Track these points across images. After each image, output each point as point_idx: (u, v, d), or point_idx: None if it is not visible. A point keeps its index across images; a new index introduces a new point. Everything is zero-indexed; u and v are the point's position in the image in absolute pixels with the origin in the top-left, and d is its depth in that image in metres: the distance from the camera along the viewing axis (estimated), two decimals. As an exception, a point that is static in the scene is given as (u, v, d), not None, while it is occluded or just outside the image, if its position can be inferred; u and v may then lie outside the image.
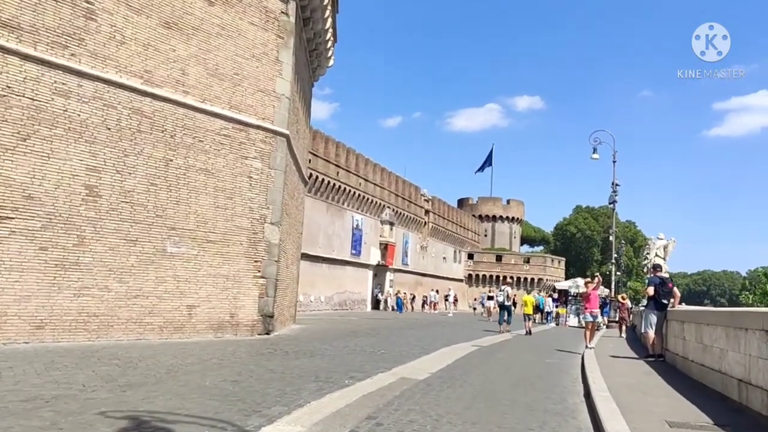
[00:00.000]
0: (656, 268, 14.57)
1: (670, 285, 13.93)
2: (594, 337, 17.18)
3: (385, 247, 51.44)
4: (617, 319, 28.24)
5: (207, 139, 14.91)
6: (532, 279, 76.06)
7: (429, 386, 9.24)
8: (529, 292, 35.71)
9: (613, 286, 38.82)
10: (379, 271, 51.41)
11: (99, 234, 12.78)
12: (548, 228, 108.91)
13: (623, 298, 28.86)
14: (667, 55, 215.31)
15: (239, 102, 15.64)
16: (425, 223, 62.98)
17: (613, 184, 36.36)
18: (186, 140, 14.46)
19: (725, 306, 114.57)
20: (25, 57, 11.68)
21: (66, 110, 12.26)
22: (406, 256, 57.89)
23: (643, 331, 14.75)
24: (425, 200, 62.83)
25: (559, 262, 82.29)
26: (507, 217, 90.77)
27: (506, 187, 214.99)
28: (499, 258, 78.52)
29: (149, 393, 7.46)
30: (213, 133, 15.05)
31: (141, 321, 13.46)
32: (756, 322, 7.16)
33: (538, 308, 36.10)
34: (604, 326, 29.23)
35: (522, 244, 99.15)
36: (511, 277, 71.42)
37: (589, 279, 19.16)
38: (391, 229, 52.44)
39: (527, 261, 79.77)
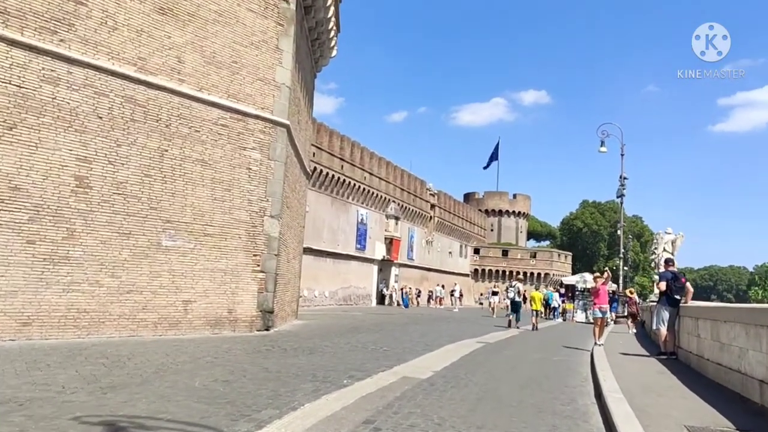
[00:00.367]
0: (668, 262, 14.00)
1: (683, 280, 13.38)
2: (603, 333, 16.65)
3: (390, 242, 50.99)
4: (625, 314, 27.75)
5: (204, 129, 14.44)
6: (539, 274, 75.49)
7: (432, 386, 8.76)
8: (537, 288, 35.07)
9: (621, 281, 38.27)
10: (384, 265, 50.96)
11: (90, 227, 12.32)
12: (555, 223, 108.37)
13: (631, 293, 28.35)
14: (672, 51, 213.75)
15: (237, 91, 15.15)
16: (431, 217, 62.50)
17: (621, 177, 35.79)
18: (182, 130, 13.98)
19: (732, 301, 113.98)
20: (12, 42, 11.21)
21: (55, 98, 11.79)
22: (412, 250, 57.45)
23: (654, 327, 14.23)
24: (431, 194, 62.32)
25: (565, 256, 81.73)
26: (513, 212, 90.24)
27: (512, 181, 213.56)
28: (505, 253, 77.99)
29: (132, 395, 6.99)
30: (210, 122, 14.57)
31: (134, 317, 13.01)
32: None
33: (546, 304, 35.58)
34: (612, 322, 28.69)
35: (528, 238, 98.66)
36: (518, 272, 71.09)
37: (598, 274, 18.61)
38: (397, 224, 51.98)
39: (534, 256, 79.25)
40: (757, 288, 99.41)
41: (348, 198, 43.78)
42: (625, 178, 35.46)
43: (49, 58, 11.66)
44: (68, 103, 11.99)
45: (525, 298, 26.41)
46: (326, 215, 40.43)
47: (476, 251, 77.43)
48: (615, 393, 8.23)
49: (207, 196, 14.48)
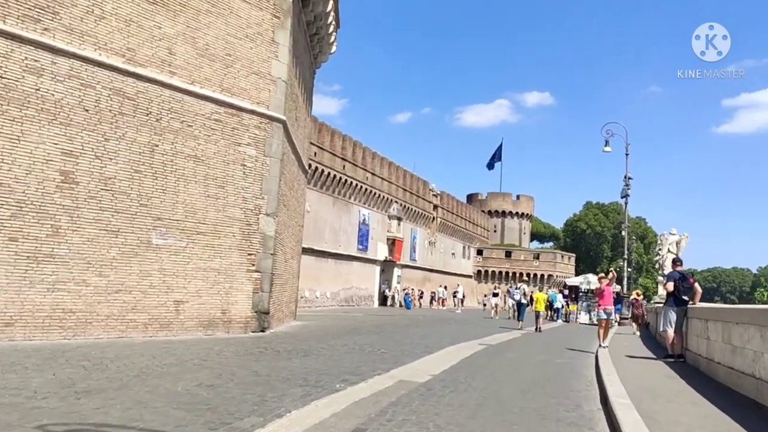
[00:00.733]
0: (676, 262, 13.50)
1: (691, 280, 12.89)
2: (608, 335, 16.16)
3: (393, 243, 50.52)
4: (629, 315, 27.31)
5: (196, 123, 13.98)
6: (542, 275, 74.92)
7: (429, 391, 8.30)
8: (541, 290, 34.68)
9: (625, 283, 37.75)
10: (387, 266, 50.47)
11: (76, 224, 11.85)
12: (558, 224, 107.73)
13: (638, 295, 27.91)
14: (676, 52, 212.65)
15: (231, 85, 14.70)
16: (434, 218, 62.02)
17: (625, 177, 35.26)
18: (173, 124, 13.53)
19: (735, 303, 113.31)
20: (-6, 31, 10.77)
21: (38, 89, 11.33)
22: (414, 251, 56.97)
23: (661, 329, 13.72)
24: (434, 195, 61.85)
25: (569, 258, 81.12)
26: (516, 213, 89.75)
27: (516, 182, 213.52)
28: (508, 254, 77.46)
29: (107, 401, 6.53)
30: (203, 117, 14.12)
31: (123, 318, 12.54)
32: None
33: (550, 305, 35.11)
34: (616, 323, 28.25)
35: (531, 240, 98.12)
36: (521, 274, 70.58)
37: (602, 275, 18.13)
38: (399, 224, 51.50)
39: (537, 257, 78.69)
40: (762, 289, 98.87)
41: (350, 198, 43.33)
42: (629, 178, 34.94)
43: (33, 48, 11.19)
44: (52, 94, 11.53)
45: (532, 300, 26.06)
46: (328, 215, 40.00)
47: (479, 252, 76.90)
48: (622, 398, 7.76)
49: (200, 193, 14.02)
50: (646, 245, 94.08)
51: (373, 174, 46.43)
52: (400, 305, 47.84)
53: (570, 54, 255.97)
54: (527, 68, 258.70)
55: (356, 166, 43.55)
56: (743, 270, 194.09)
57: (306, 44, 20.28)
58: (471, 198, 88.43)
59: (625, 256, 38.78)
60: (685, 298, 12.64)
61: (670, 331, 12.75)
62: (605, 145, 35.30)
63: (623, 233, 38.24)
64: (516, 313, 26.10)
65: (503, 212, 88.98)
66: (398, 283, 51.92)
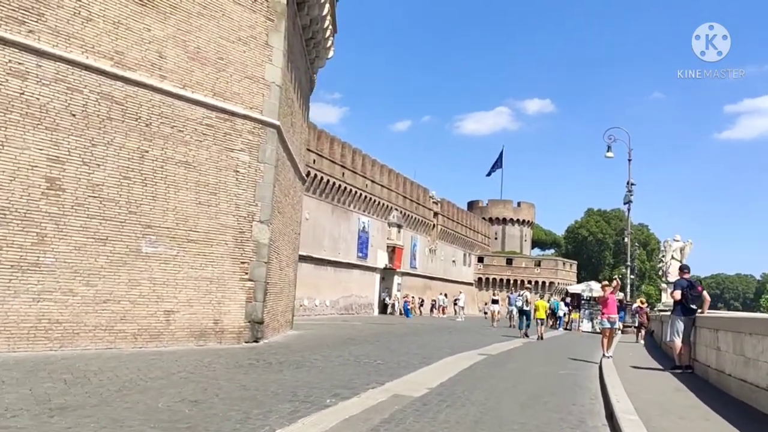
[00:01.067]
0: (683, 269, 13.05)
1: (700, 288, 12.45)
2: (612, 344, 15.72)
3: (393, 250, 50.13)
4: (635, 324, 26.86)
5: (187, 128, 13.61)
6: (544, 282, 74.42)
7: (425, 406, 7.89)
8: (542, 297, 34.24)
9: (628, 290, 37.27)
10: (387, 274, 50.07)
11: (62, 232, 11.47)
12: (559, 231, 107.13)
13: (642, 303, 27.49)
14: (677, 58, 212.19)
15: (224, 89, 14.34)
16: (434, 225, 61.63)
17: (628, 183, 34.80)
18: (163, 130, 13.16)
19: (739, 310, 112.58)
20: (-25, 33, 10.42)
21: (23, 93, 10.97)
22: (415, 259, 56.56)
23: (668, 339, 13.29)
24: (434, 202, 61.49)
25: (570, 265, 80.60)
26: (517, 220, 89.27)
27: (517, 190, 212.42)
28: (509, 261, 76.97)
29: (81, 418, 6.14)
30: (194, 122, 13.75)
31: (111, 328, 12.14)
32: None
33: (553, 313, 34.62)
34: (619, 332, 27.80)
35: (533, 247, 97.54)
36: (522, 281, 70.11)
37: (606, 282, 17.68)
38: (399, 232, 51.11)
39: (538, 264, 78.17)
40: (767, 296, 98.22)
41: (349, 206, 42.98)
42: (632, 184, 34.50)
43: (17, 50, 10.81)
44: (38, 98, 11.17)
45: (537, 308, 25.70)
46: (327, 223, 39.64)
47: (480, 260, 76.44)
48: (629, 414, 7.35)
49: (191, 199, 13.64)
50: (648, 252, 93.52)
51: (372, 181, 46.09)
52: (400, 313, 47.40)
53: (570, 61, 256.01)
54: (528, 76, 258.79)
55: (356, 173, 43.21)
56: (747, 276, 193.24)
57: (302, 49, 19.94)
58: (471, 205, 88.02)
59: (628, 263, 38.27)
60: (693, 306, 12.21)
61: (678, 341, 12.33)
62: (607, 151, 34.87)
63: (626, 240, 37.76)
64: (516, 321, 25.74)
65: (504, 219, 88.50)
66: (398, 290, 51.50)
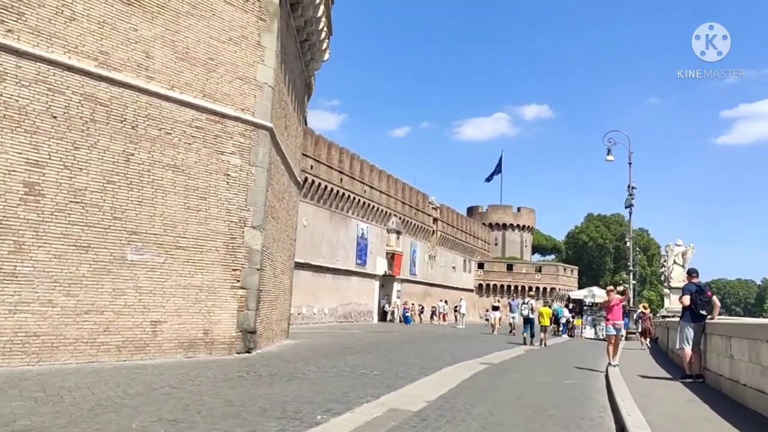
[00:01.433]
0: (692, 273, 12.49)
1: (709, 293, 11.91)
2: (617, 352, 15.16)
3: (392, 257, 49.57)
4: (640, 330, 26.34)
5: (176, 131, 13.10)
6: (544, 288, 73.77)
7: (423, 421, 7.36)
8: (546, 303, 33.66)
9: (631, 296, 36.71)
10: (386, 281, 49.49)
11: (42, 239, 10.93)
12: (560, 236, 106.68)
13: (645, 308, 26.97)
14: (674, 63, 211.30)
15: (214, 90, 13.83)
16: (434, 231, 61.10)
17: (629, 186, 34.36)
18: (150, 132, 12.65)
19: (741, 315, 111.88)
20: (-50, 32, 9.93)
21: (1, 95, 10.46)
22: (414, 265, 55.99)
23: (678, 347, 12.73)
24: (433, 208, 60.97)
25: (571, 270, 80.00)
26: (518, 226, 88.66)
27: (516, 195, 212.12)
28: (510, 267, 76.34)
29: (44, 442, 5.61)
30: (183, 124, 13.24)
31: (94, 341, 11.58)
32: None
33: (556, 319, 34.07)
34: (623, 338, 27.28)
35: (533, 252, 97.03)
36: (523, 287, 69.60)
37: (611, 287, 17.12)
38: (398, 238, 50.58)
39: (539, 270, 77.55)
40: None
41: (348, 212, 42.46)
42: (633, 188, 34.04)
43: (-6, 50, 10.35)
44: (17, 100, 10.65)
45: (540, 315, 25.24)
46: (325, 229, 39.12)
47: (480, 266, 75.85)
48: (642, 429, 6.86)
49: (179, 204, 13.12)
50: (649, 257, 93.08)
51: (371, 187, 45.61)
52: (400, 321, 46.83)
53: (568, 67, 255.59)
54: (526, 81, 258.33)
55: (354, 179, 42.73)
56: (747, 281, 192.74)
57: (297, 51, 19.47)
58: (471, 211, 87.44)
59: (630, 268, 37.73)
60: (703, 312, 11.68)
61: (688, 349, 11.78)
62: (608, 154, 34.46)
63: (628, 244, 37.21)
64: (524, 329, 25.36)
65: (504, 225, 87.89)
66: (398, 297, 50.92)
